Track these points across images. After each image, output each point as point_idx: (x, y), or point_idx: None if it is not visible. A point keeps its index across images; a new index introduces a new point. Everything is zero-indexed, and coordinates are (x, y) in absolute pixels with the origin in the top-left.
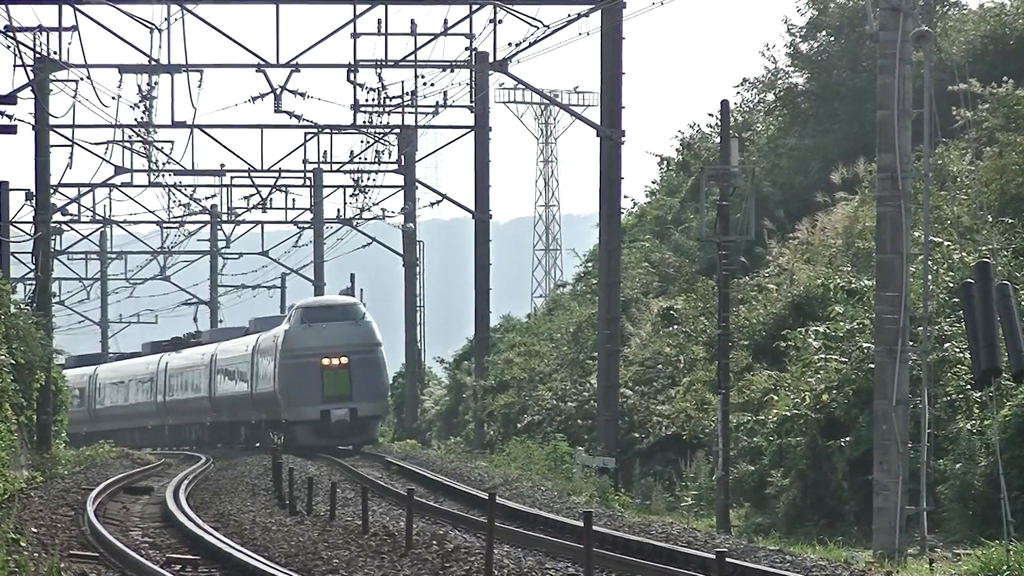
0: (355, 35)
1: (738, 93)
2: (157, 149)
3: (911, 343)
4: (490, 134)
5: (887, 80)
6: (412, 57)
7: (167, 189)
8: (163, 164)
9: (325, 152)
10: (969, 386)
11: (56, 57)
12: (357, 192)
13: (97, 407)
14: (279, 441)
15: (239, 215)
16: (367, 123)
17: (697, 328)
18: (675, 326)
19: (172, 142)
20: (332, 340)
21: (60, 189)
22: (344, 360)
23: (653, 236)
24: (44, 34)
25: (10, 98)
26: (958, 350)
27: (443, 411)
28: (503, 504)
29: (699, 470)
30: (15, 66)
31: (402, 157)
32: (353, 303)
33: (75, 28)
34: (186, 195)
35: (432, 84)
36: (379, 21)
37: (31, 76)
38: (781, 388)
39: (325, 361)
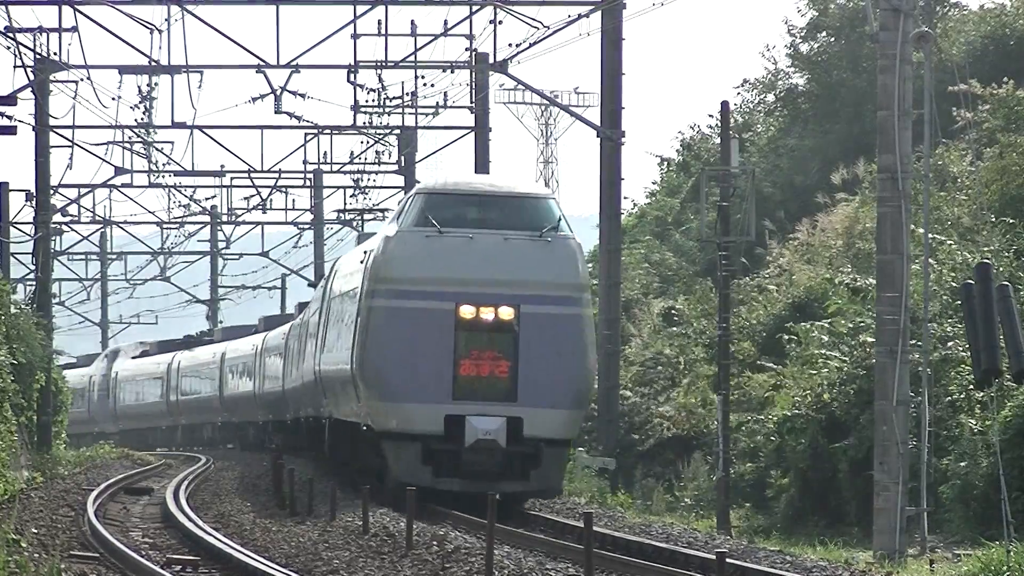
0: (355, 36)
1: (738, 94)
2: (157, 150)
3: (915, 342)
4: (490, 135)
5: (887, 81)
6: (412, 58)
7: (167, 190)
8: (163, 165)
9: (325, 153)
10: (971, 386)
11: (56, 58)
12: (357, 193)
13: (118, 406)
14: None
15: (239, 216)
16: (367, 124)
17: (698, 329)
18: (676, 327)
19: (172, 143)
20: (485, 268)
21: (60, 190)
22: (507, 314)
23: (653, 237)
24: (44, 35)
25: (10, 99)
26: (960, 350)
27: None
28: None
29: (697, 471)
30: (15, 67)
31: (402, 158)
32: (539, 195)
33: (75, 29)
34: (186, 196)
35: (432, 85)
36: (379, 22)
37: (31, 77)
38: (782, 387)
39: (465, 312)
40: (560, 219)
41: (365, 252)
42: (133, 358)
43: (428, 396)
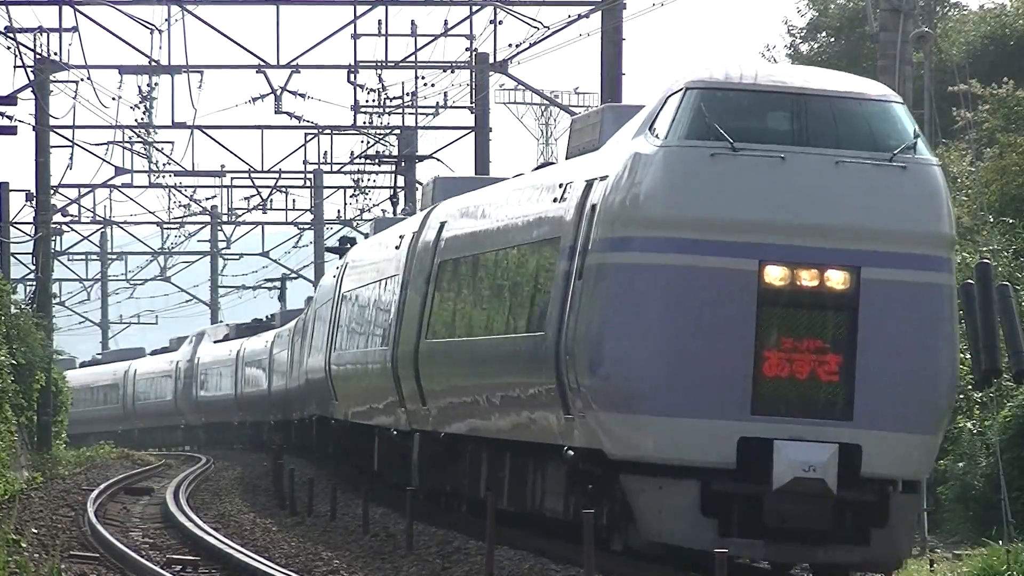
0: (355, 36)
1: None
2: (157, 150)
3: None
4: (490, 135)
5: (887, 81)
6: (412, 58)
7: (167, 190)
8: (163, 165)
9: (325, 153)
10: (971, 386)
11: (56, 58)
12: (357, 193)
13: (200, 397)
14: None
15: (239, 216)
16: (367, 124)
17: None
18: None
19: (172, 143)
20: (805, 207)
21: (60, 190)
22: (840, 280)
23: None
24: (44, 35)
25: (10, 99)
26: (961, 350)
27: None
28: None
29: None
30: (15, 67)
31: (395, 175)
32: (885, 98)
33: (75, 29)
34: (186, 196)
35: (432, 85)
36: (379, 22)
37: (31, 77)
38: None
39: (773, 275)
40: (916, 135)
41: (401, 236)
42: (215, 342)
43: (710, 407)
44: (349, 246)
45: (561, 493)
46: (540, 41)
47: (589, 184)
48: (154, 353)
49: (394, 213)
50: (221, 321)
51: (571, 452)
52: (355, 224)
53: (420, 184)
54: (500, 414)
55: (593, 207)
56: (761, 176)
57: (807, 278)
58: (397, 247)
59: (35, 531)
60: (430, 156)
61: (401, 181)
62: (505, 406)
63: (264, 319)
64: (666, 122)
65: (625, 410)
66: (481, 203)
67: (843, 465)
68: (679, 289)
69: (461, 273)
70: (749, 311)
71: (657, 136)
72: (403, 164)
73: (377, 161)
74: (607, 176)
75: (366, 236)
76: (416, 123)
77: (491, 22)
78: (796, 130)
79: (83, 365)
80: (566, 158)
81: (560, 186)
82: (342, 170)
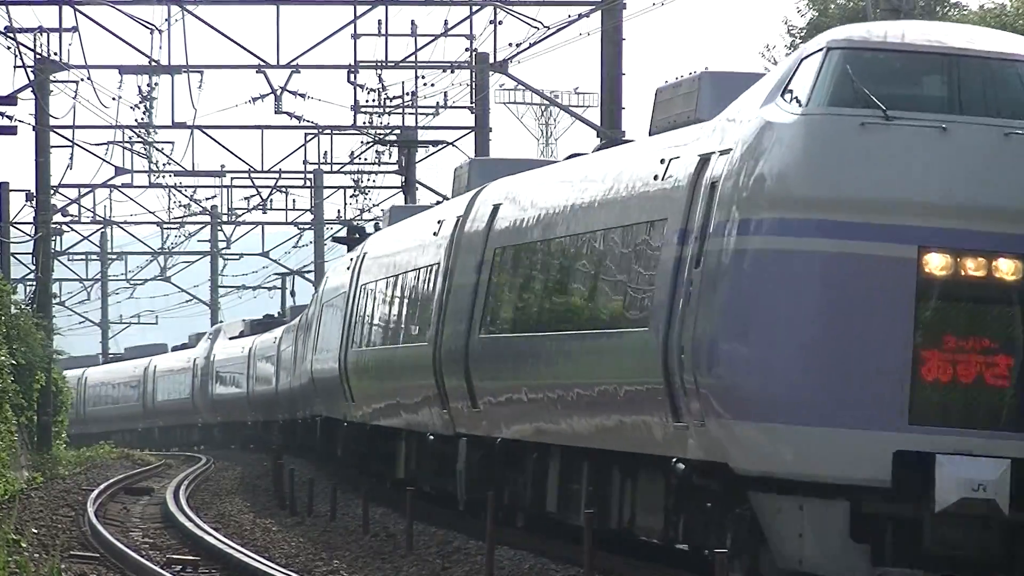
0: (355, 36)
1: None
2: (157, 150)
3: None
4: (490, 135)
5: None
6: (412, 58)
7: (167, 190)
8: (163, 165)
9: (325, 153)
10: None
11: (56, 58)
12: (357, 193)
13: (215, 395)
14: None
15: (239, 216)
16: (367, 124)
17: None
18: None
19: (172, 143)
20: (970, 186)
21: (60, 190)
22: (1013, 270)
23: None
24: (44, 35)
25: (10, 99)
26: None
27: None
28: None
29: None
30: (15, 67)
31: (402, 158)
32: None
33: (75, 29)
34: (186, 196)
35: (432, 85)
36: (379, 22)
37: (31, 77)
38: None
39: (934, 264)
40: None
41: (439, 222)
42: (231, 339)
43: (860, 417)
44: (358, 236)
45: (660, 510)
46: (540, 41)
47: (704, 159)
48: (175, 349)
49: (405, 201)
50: (222, 321)
51: (681, 465)
52: (355, 224)
53: (452, 170)
54: (579, 418)
55: (713, 185)
56: (918, 149)
57: (973, 267)
58: (436, 233)
59: (35, 531)
60: (436, 143)
61: (400, 181)
62: (586, 410)
63: (276, 315)
64: (805, 87)
65: (760, 418)
66: (546, 184)
67: (1016, 483)
68: (825, 279)
69: (525, 261)
70: (906, 305)
71: (795, 103)
72: (408, 151)
73: (379, 156)
74: (730, 150)
75: (376, 228)
76: (416, 123)
77: (491, 22)
78: (955, 96)
79: (106, 361)
80: (650, 133)
81: (662, 162)
82: (342, 170)
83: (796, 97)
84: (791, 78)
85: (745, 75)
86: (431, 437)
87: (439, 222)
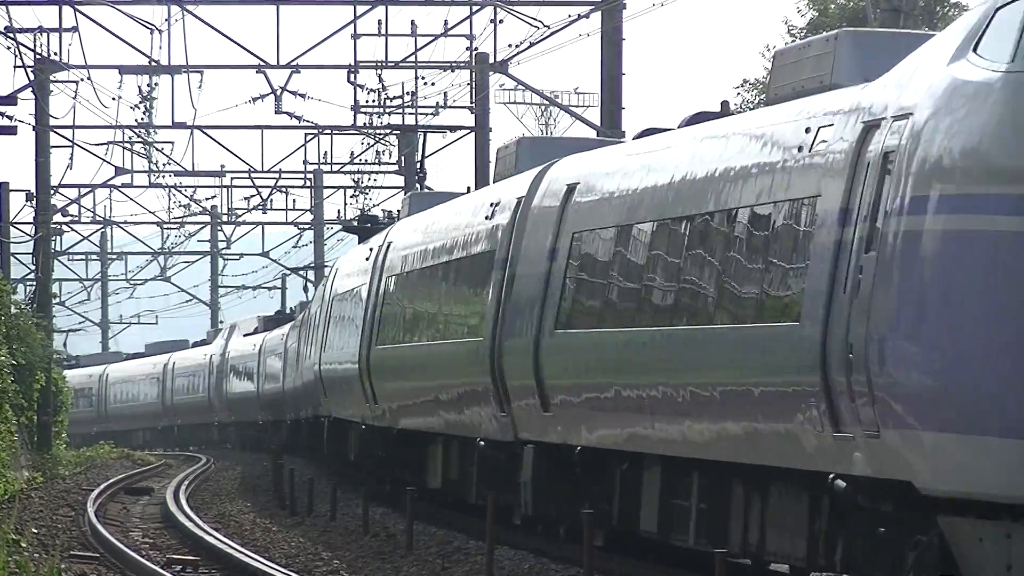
0: (355, 36)
1: (738, 94)
2: (157, 150)
3: None
4: (490, 135)
5: None
6: (412, 58)
7: (167, 190)
8: (163, 165)
9: (325, 153)
10: None
11: (56, 58)
12: (357, 193)
13: (228, 394)
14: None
15: (239, 216)
16: (367, 124)
17: None
18: None
19: (172, 143)
20: None
21: (60, 190)
22: None
23: None
24: (44, 35)
25: (10, 99)
26: None
27: None
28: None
29: None
30: (15, 67)
31: (402, 158)
32: None
33: (75, 29)
34: (186, 196)
35: (432, 85)
36: (379, 22)
37: (31, 77)
38: None
39: None
40: None
41: (492, 204)
42: (244, 335)
43: None
44: (370, 226)
45: (804, 534)
46: (540, 41)
47: (869, 126)
48: (194, 346)
49: (420, 188)
50: (222, 322)
51: (842, 482)
52: (368, 213)
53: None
54: (691, 424)
55: (886, 155)
56: None
57: None
58: (488, 217)
59: (35, 531)
60: (437, 127)
61: (401, 181)
62: (703, 415)
63: (289, 311)
64: (1004, 42)
65: (959, 429)
66: (639, 160)
67: None
68: (1009, 265)
69: (615, 246)
70: None
71: (993, 60)
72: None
73: (379, 156)
74: (908, 115)
75: (389, 218)
76: (416, 123)
77: (491, 22)
78: None
79: (128, 358)
80: (768, 102)
81: (807, 131)
82: (342, 170)
83: (991, 53)
84: (982, 33)
85: (887, 34)
86: (481, 443)
87: (492, 204)
